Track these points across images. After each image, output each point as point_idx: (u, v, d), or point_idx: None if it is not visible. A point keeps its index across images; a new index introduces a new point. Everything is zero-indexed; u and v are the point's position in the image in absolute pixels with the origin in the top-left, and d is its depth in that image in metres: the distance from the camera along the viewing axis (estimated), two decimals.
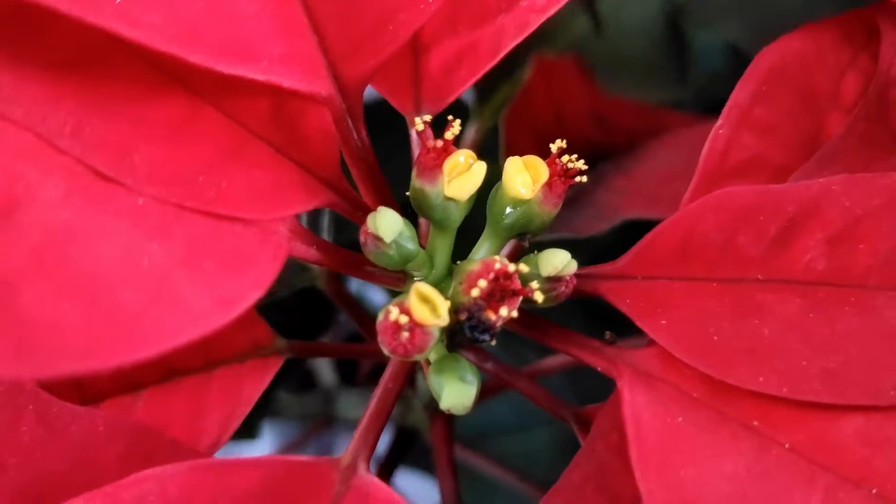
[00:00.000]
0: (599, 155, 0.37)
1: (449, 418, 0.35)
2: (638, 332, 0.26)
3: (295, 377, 0.53)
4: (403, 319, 0.23)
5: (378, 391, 0.26)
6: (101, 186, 0.21)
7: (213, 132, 0.23)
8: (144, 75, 0.22)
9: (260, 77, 0.22)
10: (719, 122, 0.27)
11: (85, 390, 0.28)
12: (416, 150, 0.28)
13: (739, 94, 0.27)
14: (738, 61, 0.43)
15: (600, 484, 0.25)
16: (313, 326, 0.45)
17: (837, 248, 0.25)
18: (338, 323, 0.48)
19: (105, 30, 0.20)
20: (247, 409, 0.29)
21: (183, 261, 0.20)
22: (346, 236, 0.28)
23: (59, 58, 0.21)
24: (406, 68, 0.27)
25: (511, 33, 0.27)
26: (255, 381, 0.29)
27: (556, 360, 0.36)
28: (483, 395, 0.37)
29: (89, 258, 0.19)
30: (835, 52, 0.28)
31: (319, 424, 0.57)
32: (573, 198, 0.36)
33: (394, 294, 0.25)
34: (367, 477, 0.24)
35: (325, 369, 0.53)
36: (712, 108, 0.38)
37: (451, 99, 0.27)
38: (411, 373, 0.35)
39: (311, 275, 0.34)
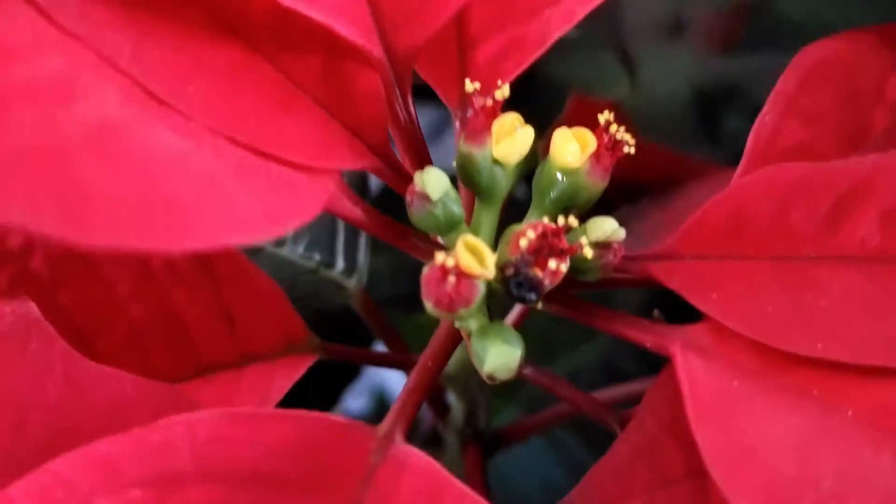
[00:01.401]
0: (637, 191, 0.37)
1: (482, 453, 0.34)
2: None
3: None
4: (451, 262, 0.22)
5: (419, 365, 0.25)
6: (156, 105, 0.21)
7: (265, 84, 0.23)
8: (204, 23, 0.23)
9: (315, 16, 0.22)
10: (765, 109, 0.27)
11: None
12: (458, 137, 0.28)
13: (785, 84, 0.27)
14: None
15: (651, 460, 0.23)
16: None
17: (892, 223, 0.24)
18: None
19: None
20: (273, 403, 0.28)
21: (233, 172, 0.20)
22: None
23: None
24: (453, 60, 0.28)
25: (557, 24, 0.27)
26: (285, 376, 0.28)
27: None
28: (517, 435, 0.36)
29: (142, 147, 0.19)
30: (876, 56, 0.28)
31: None
32: None
33: None
34: (405, 447, 0.23)
35: None
36: None
37: (496, 90, 0.27)
38: (443, 396, 0.34)
39: (345, 293, 0.33)
